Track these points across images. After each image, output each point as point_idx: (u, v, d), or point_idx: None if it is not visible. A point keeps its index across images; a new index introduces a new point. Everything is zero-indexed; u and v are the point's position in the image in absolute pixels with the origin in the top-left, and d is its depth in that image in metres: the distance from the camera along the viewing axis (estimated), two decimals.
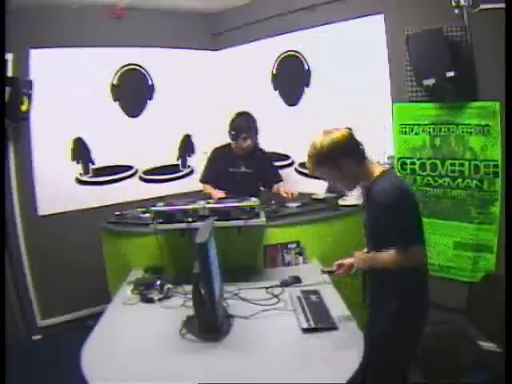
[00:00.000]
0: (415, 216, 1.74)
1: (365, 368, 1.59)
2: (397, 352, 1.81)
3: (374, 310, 1.90)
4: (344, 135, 1.78)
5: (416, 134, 3.03)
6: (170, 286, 2.26)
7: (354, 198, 3.17)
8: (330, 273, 2.08)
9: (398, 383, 1.89)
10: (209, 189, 3.22)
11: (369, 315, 1.94)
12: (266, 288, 2.26)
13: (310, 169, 1.84)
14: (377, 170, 1.79)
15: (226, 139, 3.35)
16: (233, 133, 3.20)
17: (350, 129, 1.89)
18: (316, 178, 1.94)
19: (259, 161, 3.33)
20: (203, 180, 3.38)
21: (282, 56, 3.83)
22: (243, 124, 3.18)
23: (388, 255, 1.72)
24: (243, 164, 3.28)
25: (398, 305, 1.76)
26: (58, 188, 3.59)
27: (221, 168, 3.30)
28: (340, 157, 1.75)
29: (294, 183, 3.84)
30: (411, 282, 1.77)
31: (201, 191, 3.40)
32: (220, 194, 3.04)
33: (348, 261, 1.99)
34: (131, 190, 3.91)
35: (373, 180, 1.78)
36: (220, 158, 3.35)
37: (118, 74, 3.86)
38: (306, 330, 1.78)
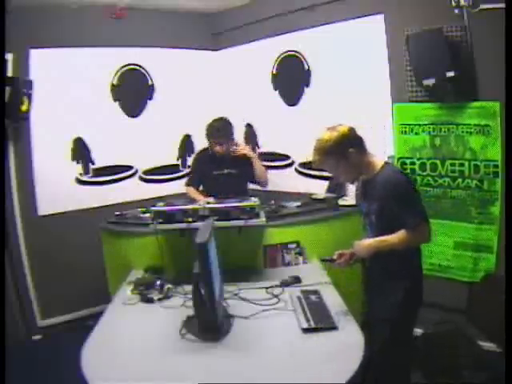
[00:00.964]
0: (419, 197, 1.92)
1: (365, 367, 1.61)
2: (401, 336, 1.93)
3: (378, 298, 1.99)
4: (349, 129, 1.93)
5: (416, 134, 3.03)
6: (169, 286, 2.27)
7: (354, 198, 3.17)
8: (330, 261, 2.11)
9: (405, 370, 2.01)
10: (193, 193, 3.20)
11: (369, 303, 2.06)
12: (266, 288, 2.27)
13: (316, 161, 1.94)
14: (378, 163, 1.95)
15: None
16: (206, 138, 3.24)
17: None
18: (320, 170, 2.05)
19: (239, 161, 3.29)
20: (189, 184, 3.35)
21: (282, 56, 3.82)
22: (213, 130, 3.18)
23: (398, 236, 1.84)
24: (226, 166, 3.25)
25: (405, 289, 1.89)
26: (58, 188, 3.59)
27: (205, 171, 3.29)
28: (347, 148, 1.88)
29: (294, 183, 3.85)
30: (416, 265, 1.96)
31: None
32: (203, 199, 2.91)
33: (349, 250, 2.03)
34: (131, 190, 3.91)
35: (376, 172, 1.92)
36: (203, 161, 3.35)
37: (118, 74, 3.86)
38: (305, 330, 1.78)
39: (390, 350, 1.92)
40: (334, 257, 2.06)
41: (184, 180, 4.05)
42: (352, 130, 1.94)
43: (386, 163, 1.96)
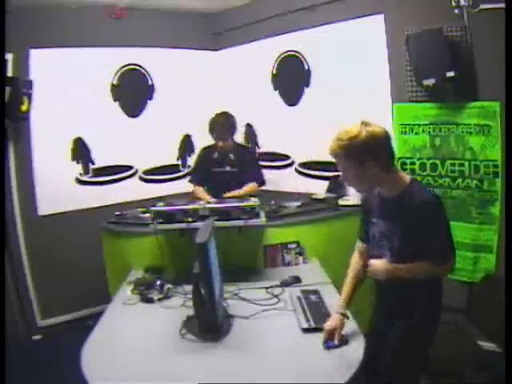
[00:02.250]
0: (448, 224, 1.67)
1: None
2: (416, 358, 1.80)
3: (398, 319, 1.80)
4: (383, 135, 1.63)
5: (416, 134, 3.03)
6: (169, 286, 2.27)
7: (354, 197, 3.17)
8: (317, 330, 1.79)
9: None
10: (200, 193, 3.21)
11: (383, 325, 1.87)
12: (266, 288, 2.27)
13: (331, 151, 1.67)
14: (404, 180, 1.68)
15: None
16: (210, 133, 3.25)
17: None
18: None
19: (242, 158, 3.31)
20: (191, 180, 3.41)
21: (282, 56, 3.83)
22: (217, 125, 3.20)
23: (420, 267, 1.65)
24: (227, 163, 3.27)
25: (424, 309, 1.73)
26: (58, 188, 3.59)
27: (206, 168, 3.31)
28: (368, 159, 1.59)
29: (294, 183, 3.85)
30: (437, 287, 1.78)
31: None
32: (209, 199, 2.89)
33: (338, 321, 1.75)
34: (131, 190, 3.91)
35: (401, 190, 1.66)
36: (205, 158, 3.37)
37: (118, 74, 3.86)
38: (305, 330, 1.78)
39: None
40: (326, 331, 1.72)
41: (184, 180, 4.07)
42: (384, 138, 1.63)
43: (412, 180, 1.70)
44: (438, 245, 1.63)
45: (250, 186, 3.24)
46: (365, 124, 1.62)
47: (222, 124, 3.19)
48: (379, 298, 1.93)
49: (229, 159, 3.27)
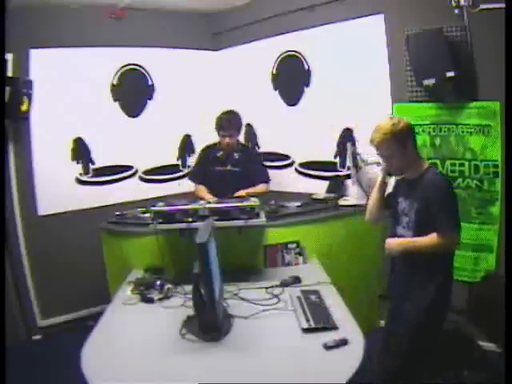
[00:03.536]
0: (457, 205, 1.96)
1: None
2: (428, 341, 1.98)
3: (406, 302, 2.02)
4: (410, 124, 2.02)
5: (416, 133, 3.02)
6: (169, 286, 2.26)
7: (354, 198, 3.18)
8: None
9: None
10: (202, 192, 3.19)
11: (395, 309, 2.10)
12: (266, 288, 2.27)
13: (376, 140, 1.97)
14: (424, 164, 2.03)
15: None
16: (216, 130, 3.24)
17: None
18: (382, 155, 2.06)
19: (247, 159, 3.30)
20: (191, 178, 3.42)
21: (282, 56, 3.82)
22: (223, 122, 3.19)
23: (428, 239, 1.91)
24: (229, 163, 3.26)
25: (433, 294, 1.94)
26: (57, 188, 3.59)
27: (207, 167, 3.30)
28: (408, 140, 1.97)
29: (294, 183, 3.85)
30: (443, 276, 1.98)
31: None
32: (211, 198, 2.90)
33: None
34: (131, 190, 3.91)
35: (421, 172, 1.99)
36: (206, 157, 3.36)
37: (118, 74, 3.86)
38: (306, 330, 1.78)
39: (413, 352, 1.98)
40: None
41: (184, 180, 4.07)
42: (412, 127, 2.03)
43: (430, 166, 2.05)
44: (444, 218, 1.89)
45: (261, 187, 3.24)
46: (396, 117, 2.06)
47: (230, 121, 3.18)
48: (394, 268, 2.15)
49: (233, 158, 3.26)
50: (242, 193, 3.02)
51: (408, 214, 2.03)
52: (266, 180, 3.35)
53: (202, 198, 2.89)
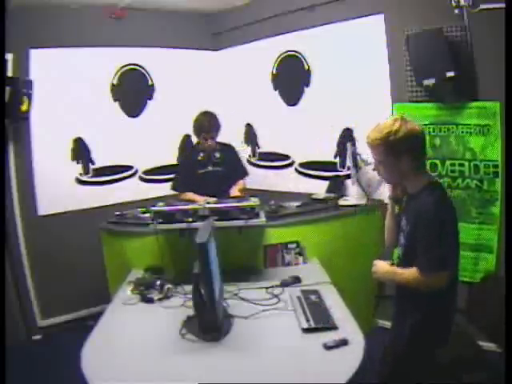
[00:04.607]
0: (451, 240, 1.63)
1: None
2: (419, 356, 1.73)
3: (396, 325, 1.86)
4: (419, 132, 1.68)
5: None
6: (169, 286, 2.26)
7: (354, 198, 3.18)
8: None
9: None
10: (189, 196, 3.11)
11: (392, 329, 1.91)
12: (266, 288, 2.26)
13: (370, 140, 1.70)
14: (425, 181, 1.70)
15: (225, 139, 3.36)
16: (195, 132, 3.21)
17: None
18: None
19: (227, 157, 3.27)
20: (174, 187, 3.29)
21: (282, 56, 3.82)
22: (204, 123, 3.14)
23: (411, 274, 1.64)
24: (211, 163, 3.22)
25: (414, 322, 1.70)
26: (57, 188, 3.59)
27: (190, 171, 3.24)
28: (403, 152, 1.64)
29: (294, 183, 3.85)
30: (433, 300, 1.67)
31: None
32: (202, 199, 2.85)
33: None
34: (131, 190, 3.91)
35: (417, 190, 1.69)
36: (189, 161, 3.33)
37: (118, 74, 3.86)
38: (306, 330, 1.78)
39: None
40: None
41: None
42: (422, 136, 1.69)
43: (430, 183, 1.70)
44: (424, 254, 1.60)
45: (240, 184, 3.23)
46: (404, 120, 1.67)
47: (210, 122, 3.14)
48: (396, 295, 1.89)
49: (214, 159, 3.22)
50: (234, 193, 3.01)
51: (403, 234, 1.78)
52: (242, 176, 3.33)
53: (192, 202, 2.84)
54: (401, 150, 1.64)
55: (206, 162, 3.22)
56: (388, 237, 1.96)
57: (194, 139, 4.15)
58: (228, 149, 3.34)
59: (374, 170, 1.85)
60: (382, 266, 1.79)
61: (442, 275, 1.59)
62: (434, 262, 1.58)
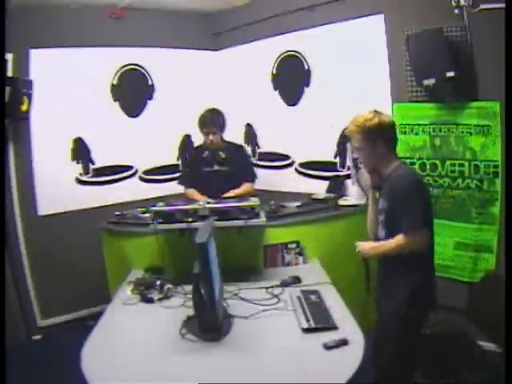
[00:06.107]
0: (423, 202, 1.89)
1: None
2: (404, 338, 1.92)
3: (383, 298, 2.04)
4: (391, 123, 1.99)
5: (416, 134, 3.03)
6: (169, 286, 2.26)
7: (354, 198, 3.18)
8: None
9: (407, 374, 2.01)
10: (193, 194, 3.14)
11: (377, 301, 2.08)
12: (266, 288, 2.27)
13: (349, 131, 2.01)
14: (395, 163, 1.99)
15: (225, 139, 3.36)
16: (199, 128, 3.20)
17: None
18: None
19: (235, 158, 3.25)
20: (181, 182, 3.34)
21: (282, 56, 3.82)
22: (205, 119, 3.15)
23: (395, 241, 1.87)
24: (216, 162, 3.21)
25: (406, 295, 1.89)
26: (58, 188, 3.59)
27: (196, 169, 3.25)
28: (378, 138, 1.93)
29: (294, 183, 3.85)
30: (419, 275, 1.93)
31: None
32: (204, 199, 2.84)
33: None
34: (131, 190, 3.91)
35: (390, 171, 1.96)
36: (194, 158, 3.34)
37: (118, 74, 3.86)
38: (306, 330, 1.78)
39: (396, 349, 1.94)
40: None
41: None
42: (392, 126, 1.99)
43: (401, 163, 2.02)
44: (407, 217, 1.84)
45: (247, 186, 3.19)
46: (377, 112, 1.97)
47: (211, 117, 3.15)
48: (378, 274, 2.12)
49: (219, 158, 3.20)
50: (230, 194, 2.99)
51: (382, 214, 2.01)
52: (252, 179, 3.28)
53: (194, 201, 2.84)
54: (376, 136, 1.92)
55: (211, 161, 3.22)
56: (370, 225, 2.15)
57: (194, 139, 4.21)
58: (236, 149, 3.33)
59: (354, 158, 2.22)
60: (365, 244, 2.05)
61: (423, 232, 1.86)
62: (414, 221, 1.84)
